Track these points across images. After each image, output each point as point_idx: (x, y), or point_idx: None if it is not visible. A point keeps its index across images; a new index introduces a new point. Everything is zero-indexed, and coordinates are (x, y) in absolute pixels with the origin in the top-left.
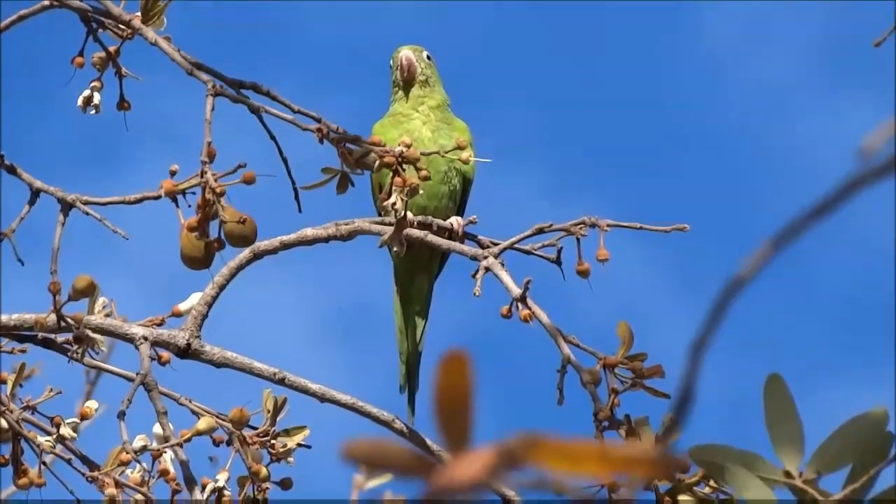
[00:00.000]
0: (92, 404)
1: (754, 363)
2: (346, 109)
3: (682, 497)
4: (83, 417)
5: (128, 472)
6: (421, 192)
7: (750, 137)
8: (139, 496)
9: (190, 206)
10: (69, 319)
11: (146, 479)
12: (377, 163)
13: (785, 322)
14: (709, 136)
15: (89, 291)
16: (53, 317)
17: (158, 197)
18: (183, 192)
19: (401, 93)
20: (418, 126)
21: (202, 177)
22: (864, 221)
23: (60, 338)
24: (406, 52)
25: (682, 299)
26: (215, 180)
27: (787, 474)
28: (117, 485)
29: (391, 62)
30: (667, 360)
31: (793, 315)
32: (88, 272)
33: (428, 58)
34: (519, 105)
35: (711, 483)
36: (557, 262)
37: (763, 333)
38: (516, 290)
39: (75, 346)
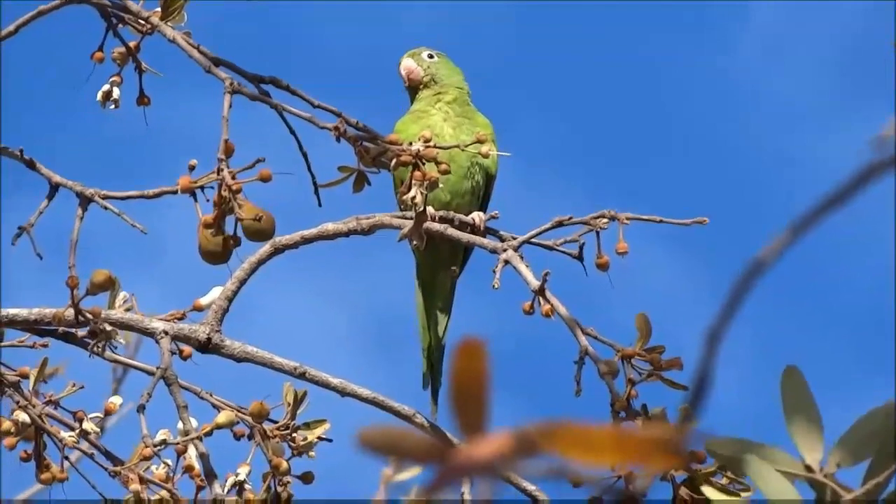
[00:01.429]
0: (116, 400)
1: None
2: (368, 112)
3: (704, 488)
4: (107, 413)
5: (152, 468)
6: (441, 185)
7: (773, 150)
8: (163, 492)
9: (208, 200)
10: (87, 314)
11: (170, 475)
12: (394, 161)
13: (813, 335)
14: (731, 149)
15: (107, 285)
16: (71, 311)
17: (176, 192)
18: (202, 188)
19: (418, 98)
20: (438, 122)
21: (219, 173)
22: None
23: (81, 332)
24: (404, 63)
25: (707, 298)
26: (232, 177)
27: (808, 468)
28: (141, 480)
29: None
30: (690, 355)
31: (821, 329)
32: (114, 272)
33: (430, 56)
34: (543, 114)
35: (728, 474)
36: (580, 257)
37: (792, 346)
38: (535, 283)
39: (93, 341)
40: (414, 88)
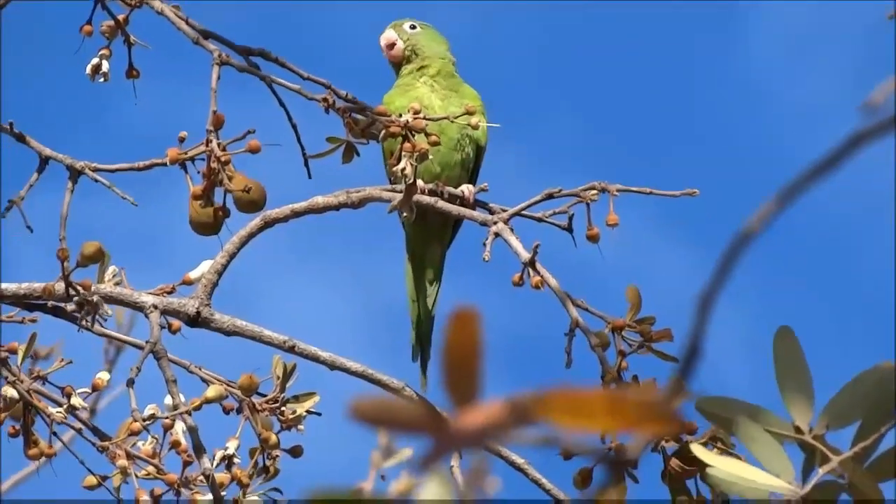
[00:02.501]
0: (103, 375)
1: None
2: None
3: (694, 447)
4: (94, 389)
5: (139, 443)
6: (431, 157)
7: (792, 153)
8: (150, 467)
9: (199, 172)
10: (77, 286)
11: (157, 450)
12: (383, 132)
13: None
14: (750, 153)
15: (98, 257)
16: (62, 284)
17: (166, 164)
18: (192, 160)
19: (401, 72)
20: (426, 93)
21: (208, 145)
22: None
23: (70, 306)
24: (385, 34)
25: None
26: (221, 148)
27: (797, 429)
28: (128, 456)
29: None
30: (681, 326)
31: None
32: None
33: (412, 27)
34: (560, 113)
35: (720, 444)
36: (569, 229)
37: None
38: (525, 255)
39: (81, 312)
40: (396, 63)
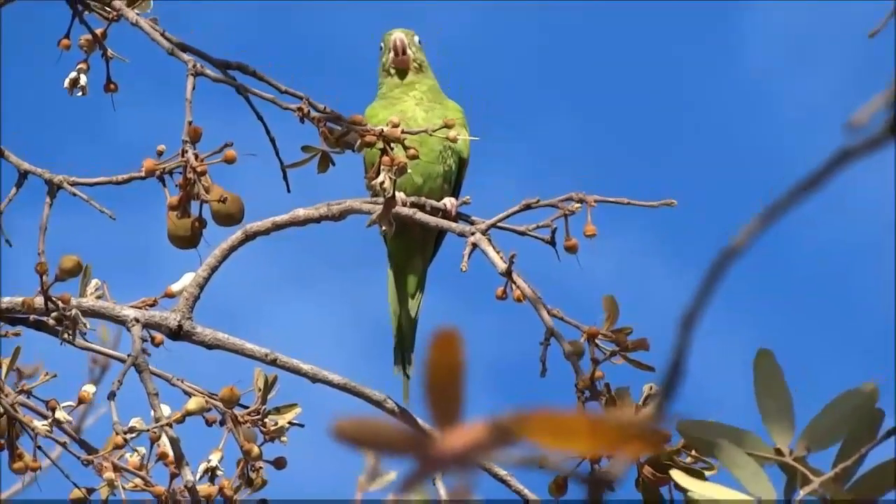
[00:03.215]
0: (89, 388)
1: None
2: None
3: (674, 472)
4: (80, 402)
5: (126, 455)
6: (410, 170)
7: (791, 157)
8: (137, 480)
9: (177, 185)
10: (56, 300)
11: (144, 462)
12: (359, 142)
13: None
14: (749, 156)
15: (76, 271)
16: (41, 298)
17: (143, 177)
18: (170, 172)
19: (394, 77)
20: (411, 107)
21: (183, 155)
22: None
23: (51, 321)
24: (399, 35)
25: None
26: (197, 160)
27: (778, 451)
28: (115, 468)
29: (381, 44)
30: (665, 338)
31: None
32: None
33: (419, 42)
34: (557, 117)
35: (693, 453)
36: (552, 242)
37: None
38: (502, 265)
39: (60, 327)
40: (401, 69)
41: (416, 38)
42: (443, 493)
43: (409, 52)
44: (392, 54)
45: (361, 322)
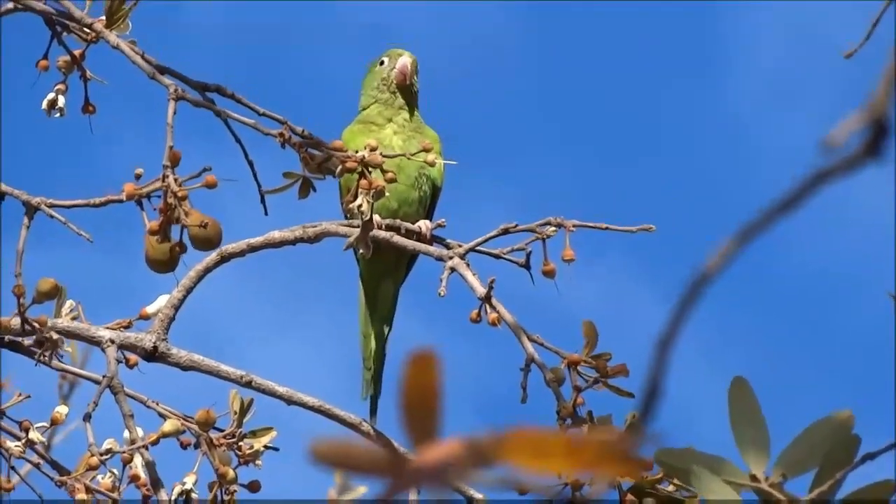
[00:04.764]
0: (62, 409)
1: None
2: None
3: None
4: (53, 423)
5: (98, 477)
6: (387, 194)
7: (776, 189)
8: (110, 502)
9: (155, 209)
10: (33, 323)
11: (117, 484)
12: (339, 168)
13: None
14: (730, 193)
15: (53, 294)
16: (18, 320)
17: (122, 200)
18: (148, 196)
19: (380, 97)
20: (389, 135)
21: (164, 181)
22: None
23: (27, 341)
24: (409, 60)
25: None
26: (178, 184)
27: (753, 478)
28: (87, 490)
29: (384, 58)
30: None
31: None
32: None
33: (417, 69)
34: (544, 153)
35: (675, 481)
36: (526, 266)
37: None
38: (481, 290)
39: (40, 350)
40: (400, 87)
41: (417, 65)
42: None
43: (414, 77)
44: (398, 73)
45: (338, 346)
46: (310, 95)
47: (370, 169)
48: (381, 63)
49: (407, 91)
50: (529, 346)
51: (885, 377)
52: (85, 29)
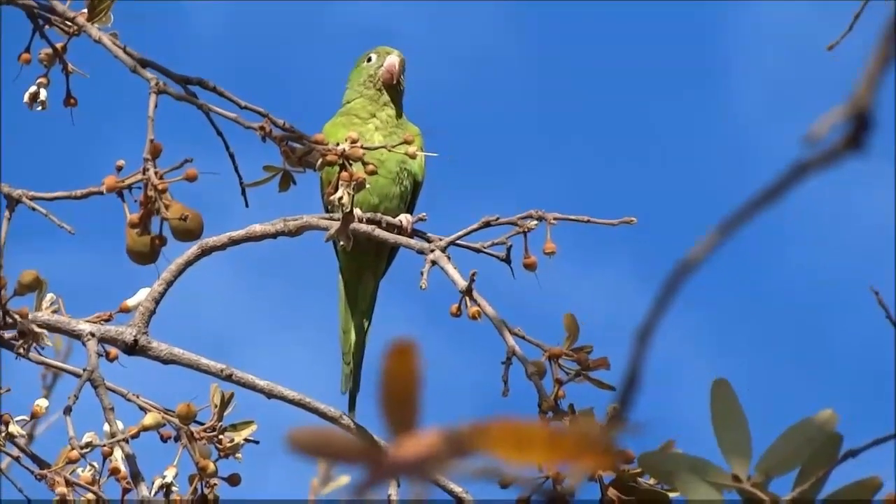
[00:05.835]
0: (42, 402)
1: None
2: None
3: None
4: (34, 416)
5: (79, 470)
6: (368, 186)
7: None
8: (90, 495)
9: (136, 201)
10: (14, 314)
11: (97, 477)
12: (320, 161)
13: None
14: (734, 199)
15: (35, 286)
16: None
17: (103, 192)
18: (129, 188)
19: (365, 93)
20: (370, 130)
21: (145, 173)
22: None
23: (8, 334)
24: (398, 59)
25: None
26: (158, 176)
27: (736, 478)
28: (67, 483)
29: (372, 55)
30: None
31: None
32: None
33: (404, 68)
34: (542, 161)
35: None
36: (507, 260)
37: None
38: (462, 283)
39: (21, 342)
40: (387, 85)
41: (405, 65)
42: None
43: (401, 77)
44: (385, 71)
45: (319, 340)
46: (310, 97)
47: (351, 162)
48: (369, 59)
49: (393, 90)
50: (511, 340)
51: (885, 377)
52: (67, 22)
